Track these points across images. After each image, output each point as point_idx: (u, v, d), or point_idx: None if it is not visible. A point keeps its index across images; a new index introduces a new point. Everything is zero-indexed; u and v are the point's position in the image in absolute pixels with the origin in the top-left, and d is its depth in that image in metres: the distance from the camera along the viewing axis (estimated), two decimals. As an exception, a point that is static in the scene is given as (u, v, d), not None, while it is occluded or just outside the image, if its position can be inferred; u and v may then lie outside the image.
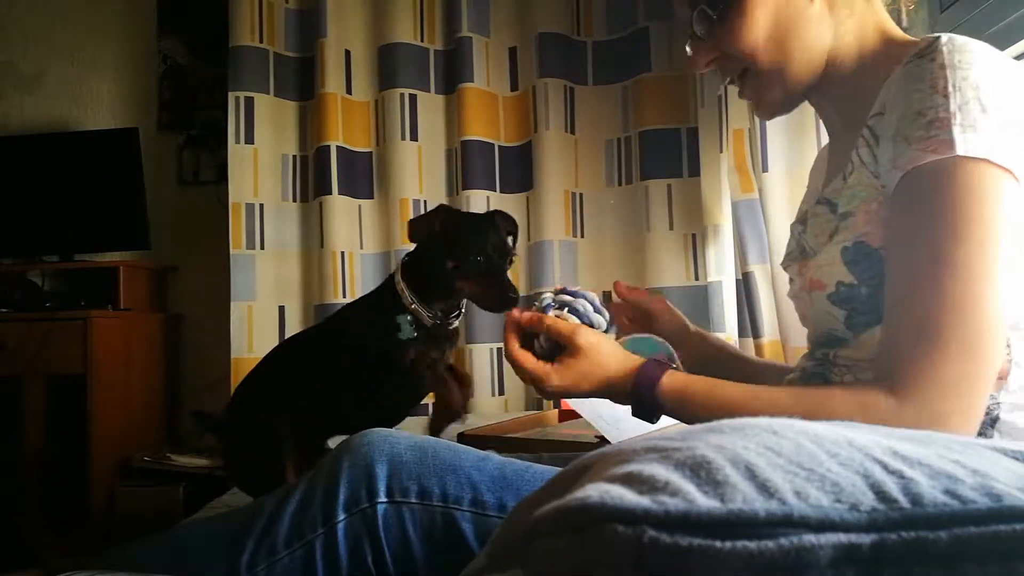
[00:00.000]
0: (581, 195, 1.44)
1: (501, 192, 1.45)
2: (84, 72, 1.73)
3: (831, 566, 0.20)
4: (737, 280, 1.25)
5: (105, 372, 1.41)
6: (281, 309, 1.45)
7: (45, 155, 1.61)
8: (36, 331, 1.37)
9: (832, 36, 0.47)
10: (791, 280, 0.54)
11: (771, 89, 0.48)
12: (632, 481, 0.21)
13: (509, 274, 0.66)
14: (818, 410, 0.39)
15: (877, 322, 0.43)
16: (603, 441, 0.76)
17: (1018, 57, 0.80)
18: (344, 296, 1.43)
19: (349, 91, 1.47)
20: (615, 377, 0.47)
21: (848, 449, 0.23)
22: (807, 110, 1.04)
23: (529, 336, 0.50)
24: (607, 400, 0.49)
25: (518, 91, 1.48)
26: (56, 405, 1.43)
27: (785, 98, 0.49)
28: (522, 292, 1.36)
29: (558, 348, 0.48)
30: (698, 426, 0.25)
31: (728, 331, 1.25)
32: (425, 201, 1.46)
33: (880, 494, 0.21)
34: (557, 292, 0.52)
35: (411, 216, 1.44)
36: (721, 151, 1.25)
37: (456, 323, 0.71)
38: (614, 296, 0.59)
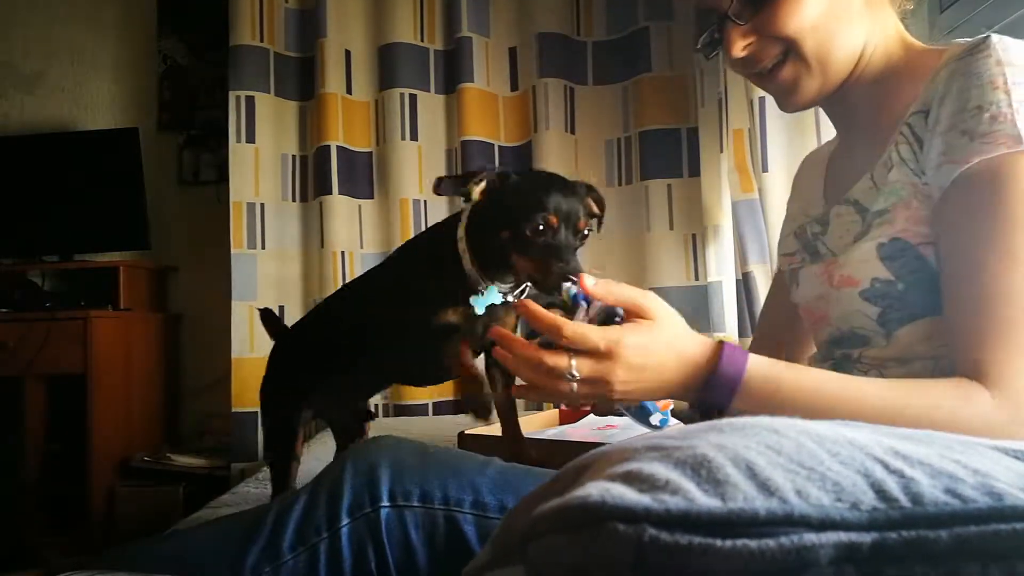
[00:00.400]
0: (581, 195, 1.43)
1: (501, 192, 1.45)
2: (84, 72, 1.73)
3: (832, 565, 0.20)
4: (737, 280, 1.25)
5: (105, 372, 1.41)
6: (281, 309, 1.45)
7: (45, 155, 1.61)
8: (36, 331, 1.37)
9: (864, 36, 0.47)
10: (797, 284, 0.53)
11: (810, 79, 0.47)
12: (632, 479, 0.21)
13: (581, 258, 0.49)
14: (919, 399, 0.37)
15: (911, 319, 0.43)
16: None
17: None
18: (344, 296, 1.42)
19: (349, 91, 1.47)
20: (693, 356, 0.39)
21: (849, 448, 0.23)
22: (808, 110, 1.05)
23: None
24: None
25: (518, 91, 1.48)
26: (56, 405, 1.43)
27: (820, 90, 0.48)
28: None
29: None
30: (699, 425, 0.25)
31: (728, 331, 1.25)
32: (425, 201, 1.46)
33: (881, 493, 0.21)
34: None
35: (411, 216, 1.44)
36: (721, 151, 1.25)
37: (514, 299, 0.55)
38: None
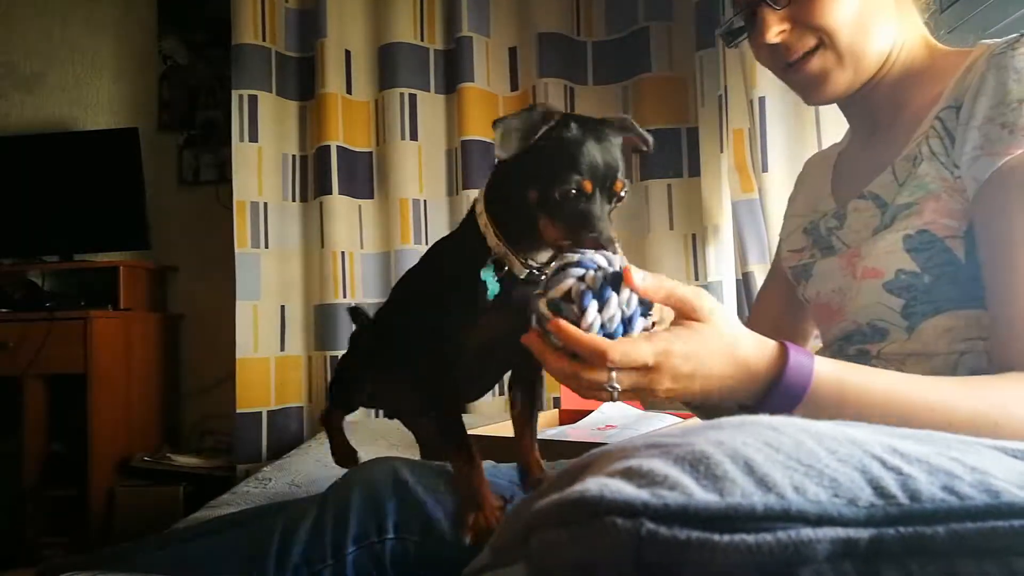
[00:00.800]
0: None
1: (501, 192, 1.45)
2: (84, 72, 1.74)
3: (828, 560, 0.20)
4: (737, 280, 1.25)
5: (105, 372, 1.41)
6: (282, 309, 1.45)
7: (45, 155, 1.61)
8: (36, 331, 1.37)
9: (893, 36, 0.47)
10: (808, 278, 0.52)
11: (842, 73, 0.47)
12: (631, 475, 0.21)
13: (610, 220, 0.42)
14: (996, 395, 0.35)
15: (935, 312, 0.42)
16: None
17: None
18: (344, 296, 1.43)
19: (349, 91, 1.47)
20: (752, 361, 0.35)
21: (847, 446, 0.23)
22: (807, 108, 1.05)
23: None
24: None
25: (518, 91, 1.48)
26: (56, 405, 1.43)
27: (850, 85, 0.48)
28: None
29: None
30: (699, 423, 0.25)
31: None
32: (425, 201, 1.47)
33: (878, 490, 0.21)
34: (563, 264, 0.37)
35: (411, 216, 1.44)
36: (721, 151, 1.25)
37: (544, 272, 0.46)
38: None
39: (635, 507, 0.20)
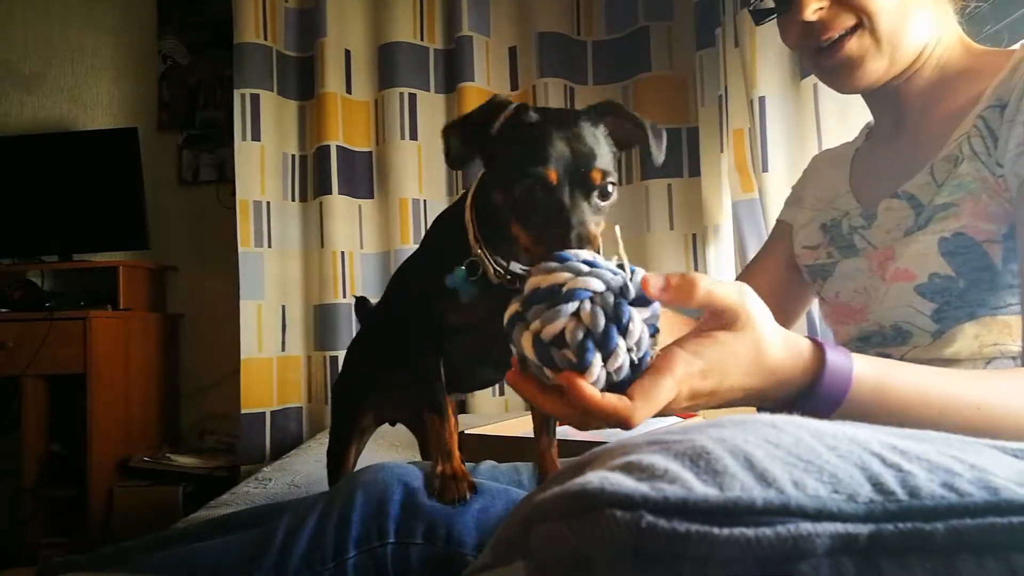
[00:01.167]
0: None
1: (501, 192, 1.46)
2: (84, 72, 1.74)
3: (828, 555, 0.20)
4: (738, 280, 1.25)
5: (104, 372, 1.40)
6: (283, 309, 1.45)
7: (45, 155, 1.61)
8: (36, 331, 1.37)
9: (930, 30, 0.46)
10: (826, 278, 0.51)
11: (878, 58, 0.45)
12: (632, 469, 0.21)
13: (592, 221, 0.35)
14: None
15: (969, 318, 0.42)
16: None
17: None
18: (344, 296, 1.43)
19: (349, 91, 1.47)
20: (780, 362, 0.31)
21: (847, 443, 0.23)
22: (807, 108, 1.05)
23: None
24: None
25: (518, 90, 1.48)
26: (55, 405, 1.43)
27: (885, 73, 0.46)
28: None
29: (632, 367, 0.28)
30: (701, 421, 0.25)
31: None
32: (425, 201, 1.47)
33: (878, 486, 0.21)
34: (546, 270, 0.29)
35: (410, 216, 1.44)
36: (721, 151, 1.25)
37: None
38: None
39: (635, 500, 0.20)
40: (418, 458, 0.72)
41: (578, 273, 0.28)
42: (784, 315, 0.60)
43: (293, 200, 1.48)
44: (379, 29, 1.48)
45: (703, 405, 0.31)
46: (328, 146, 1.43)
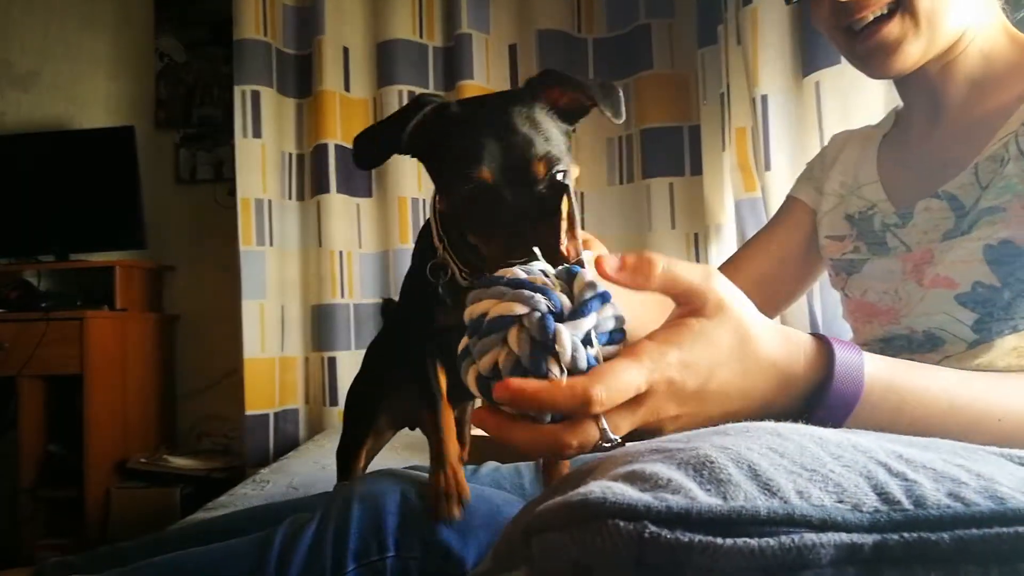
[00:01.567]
0: (582, 194, 1.43)
1: (500, 191, 1.45)
2: (80, 70, 1.72)
3: (832, 565, 0.20)
4: (737, 279, 1.24)
5: (101, 372, 1.40)
6: (282, 309, 1.44)
7: (41, 154, 1.60)
8: (32, 331, 1.36)
9: (971, 14, 0.44)
10: (853, 273, 0.48)
11: (916, 41, 0.42)
12: (635, 479, 0.21)
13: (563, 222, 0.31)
14: None
15: (1012, 330, 0.39)
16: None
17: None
18: (342, 296, 1.42)
19: (347, 88, 1.46)
20: (780, 356, 0.27)
21: (852, 452, 0.23)
22: (810, 106, 1.05)
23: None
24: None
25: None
26: (53, 406, 1.43)
27: (922, 56, 0.43)
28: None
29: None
30: (704, 429, 0.25)
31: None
32: (424, 200, 1.46)
33: (883, 495, 0.21)
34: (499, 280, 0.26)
35: (409, 215, 1.44)
36: (723, 149, 1.25)
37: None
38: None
39: (638, 510, 0.19)
40: (419, 460, 0.72)
41: (500, 297, 0.26)
42: (783, 296, 0.57)
43: (290, 199, 1.47)
44: (378, 26, 1.47)
45: (694, 415, 0.26)
46: (326, 144, 1.42)
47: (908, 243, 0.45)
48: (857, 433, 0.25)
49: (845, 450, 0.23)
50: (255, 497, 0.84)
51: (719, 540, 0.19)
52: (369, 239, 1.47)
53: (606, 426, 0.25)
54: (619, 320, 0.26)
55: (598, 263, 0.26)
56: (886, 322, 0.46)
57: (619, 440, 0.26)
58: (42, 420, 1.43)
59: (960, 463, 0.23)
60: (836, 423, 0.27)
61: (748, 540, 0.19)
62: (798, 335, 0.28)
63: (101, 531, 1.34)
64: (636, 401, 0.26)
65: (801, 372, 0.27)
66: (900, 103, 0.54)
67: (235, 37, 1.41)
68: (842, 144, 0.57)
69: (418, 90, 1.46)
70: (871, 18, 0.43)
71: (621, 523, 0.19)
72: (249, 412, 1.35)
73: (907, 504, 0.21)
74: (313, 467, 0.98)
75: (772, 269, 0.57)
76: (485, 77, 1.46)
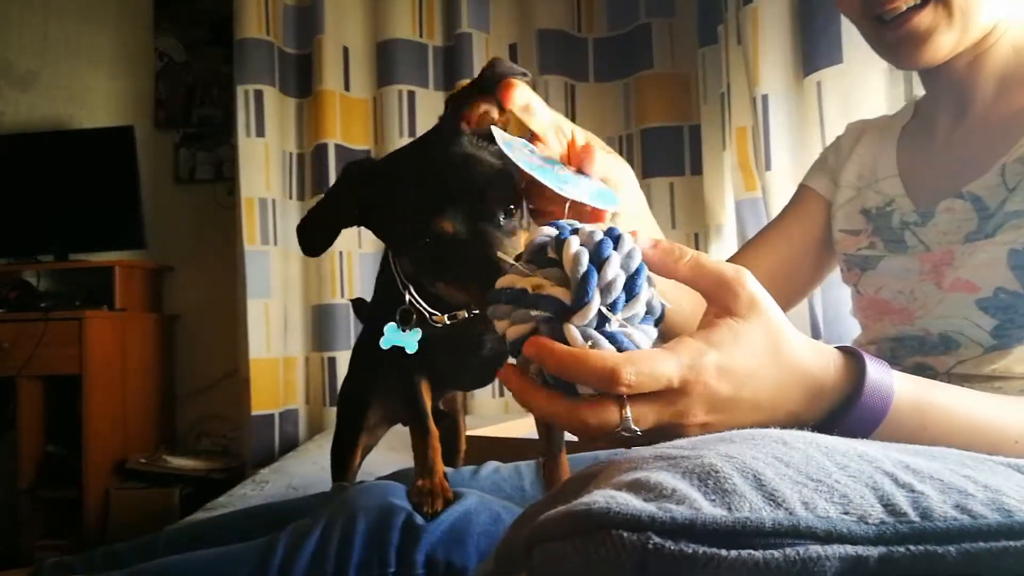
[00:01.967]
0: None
1: (500, 191, 1.45)
2: (79, 70, 1.72)
3: (838, 578, 0.19)
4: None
5: (100, 373, 1.40)
6: (284, 308, 1.44)
7: (40, 154, 1.60)
8: (31, 331, 1.36)
9: (1004, 8, 0.42)
10: (867, 270, 0.47)
11: (948, 32, 0.41)
12: (639, 488, 0.21)
13: (510, 245, 0.32)
14: None
15: None
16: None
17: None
18: (342, 296, 1.42)
19: (347, 88, 1.46)
20: (813, 374, 0.26)
21: (858, 462, 0.22)
22: (811, 105, 1.04)
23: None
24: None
25: (518, 88, 1.47)
26: (52, 406, 1.43)
27: (954, 48, 0.42)
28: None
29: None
30: (709, 436, 0.24)
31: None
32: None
33: (889, 507, 0.21)
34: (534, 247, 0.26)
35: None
36: (724, 149, 1.25)
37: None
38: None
39: (642, 520, 0.19)
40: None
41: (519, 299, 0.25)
42: (797, 291, 0.55)
43: (291, 199, 1.47)
44: (378, 26, 1.46)
45: (719, 423, 0.25)
46: (326, 144, 1.42)
47: (927, 243, 0.44)
48: (863, 442, 0.25)
49: (851, 459, 0.22)
50: (254, 497, 0.84)
51: (723, 552, 0.19)
52: (369, 239, 1.47)
53: (629, 414, 0.24)
54: (659, 308, 0.26)
55: (634, 236, 0.26)
56: (899, 322, 0.45)
57: (638, 432, 0.24)
58: (41, 420, 1.43)
59: (967, 473, 0.23)
60: (860, 438, 0.26)
61: (753, 552, 0.19)
62: (824, 346, 0.28)
63: (100, 532, 1.34)
64: (667, 397, 0.25)
65: (831, 384, 0.27)
66: (904, 97, 0.52)
67: (236, 36, 1.41)
68: (858, 134, 0.55)
69: (418, 89, 1.45)
70: (904, 8, 0.41)
71: (625, 534, 0.19)
72: (255, 412, 1.34)
73: (913, 516, 0.21)
74: (313, 467, 0.98)
75: (785, 262, 0.54)
76: (485, 77, 1.45)
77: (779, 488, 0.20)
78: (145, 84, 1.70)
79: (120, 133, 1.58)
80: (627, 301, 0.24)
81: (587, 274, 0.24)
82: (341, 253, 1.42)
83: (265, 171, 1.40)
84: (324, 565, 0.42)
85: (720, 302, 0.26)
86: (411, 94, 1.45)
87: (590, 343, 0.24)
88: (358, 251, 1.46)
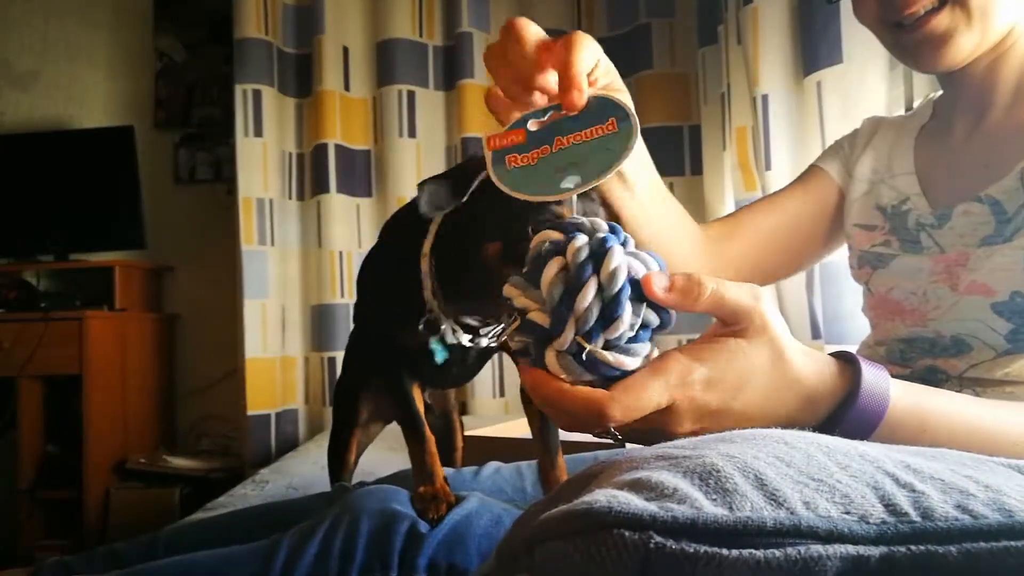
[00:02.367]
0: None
1: (500, 191, 1.45)
2: (79, 70, 1.72)
3: (839, 578, 0.19)
4: (738, 280, 1.24)
5: (100, 373, 1.40)
6: (283, 308, 1.44)
7: (40, 154, 1.60)
8: (31, 331, 1.36)
9: (1021, 13, 0.42)
10: (878, 268, 0.46)
11: (968, 34, 0.41)
12: (640, 487, 0.21)
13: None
14: None
15: None
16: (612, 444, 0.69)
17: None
18: (342, 296, 1.42)
19: (347, 88, 1.46)
20: (811, 381, 0.27)
21: (859, 461, 0.22)
22: (811, 106, 1.05)
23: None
24: None
25: (518, 89, 1.47)
26: (52, 406, 1.43)
27: (974, 50, 0.42)
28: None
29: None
30: (710, 436, 0.24)
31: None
32: (424, 200, 1.45)
33: (890, 507, 0.21)
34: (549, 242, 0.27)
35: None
36: (724, 149, 1.25)
37: (489, 342, 0.43)
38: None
39: (643, 520, 0.19)
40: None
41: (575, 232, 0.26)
42: (783, 262, 0.54)
43: (291, 198, 1.47)
44: (377, 25, 1.46)
45: (709, 429, 0.26)
46: (326, 144, 1.42)
47: (942, 245, 0.44)
48: (864, 442, 0.25)
49: (852, 459, 0.22)
50: (254, 497, 0.84)
51: (725, 551, 0.19)
52: (369, 239, 1.47)
53: (614, 431, 0.26)
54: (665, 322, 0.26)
55: (646, 283, 0.26)
56: (911, 323, 0.45)
57: (623, 443, 0.27)
58: (41, 420, 1.43)
59: (968, 473, 0.23)
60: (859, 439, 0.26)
61: (754, 551, 0.19)
62: (819, 355, 0.28)
63: (100, 532, 1.34)
64: (653, 415, 0.26)
65: (826, 390, 0.28)
66: (904, 98, 0.52)
67: (236, 36, 1.41)
68: (874, 128, 0.54)
69: (418, 89, 1.45)
70: (922, 12, 0.41)
71: (626, 533, 0.19)
72: (251, 412, 1.35)
73: (915, 516, 0.21)
74: (312, 467, 0.98)
75: (780, 227, 0.53)
76: (485, 76, 1.46)
77: (780, 488, 0.20)
78: (145, 84, 1.70)
79: (120, 133, 1.58)
80: (607, 326, 0.25)
81: (558, 306, 0.25)
82: (341, 253, 1.42)
83: (263, 171, 1.41)
84: (327, 566, 0.42)
85: (734, 327, 0.27)
86: (411, 94, 1.45)
87: (567, 374, 0.25)
88: (358, 251, 1.46)
